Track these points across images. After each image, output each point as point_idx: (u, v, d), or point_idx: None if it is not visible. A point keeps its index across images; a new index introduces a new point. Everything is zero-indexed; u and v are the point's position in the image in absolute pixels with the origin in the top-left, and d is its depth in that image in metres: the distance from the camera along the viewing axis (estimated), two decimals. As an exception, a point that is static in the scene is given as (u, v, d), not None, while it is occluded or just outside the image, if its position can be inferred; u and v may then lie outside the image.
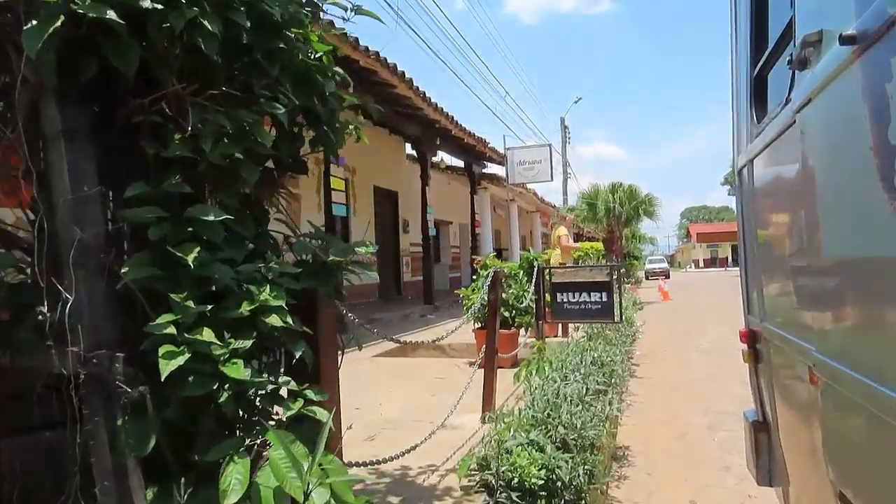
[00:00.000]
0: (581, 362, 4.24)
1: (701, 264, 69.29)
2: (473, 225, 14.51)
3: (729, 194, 46.36)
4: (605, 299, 4.73)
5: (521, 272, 5.68)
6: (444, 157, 16.30)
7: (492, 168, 16.73)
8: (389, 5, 10.84)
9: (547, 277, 4.99)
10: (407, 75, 8.54)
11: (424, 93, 9.40)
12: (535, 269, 5.19)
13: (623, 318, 5.82)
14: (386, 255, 13.87)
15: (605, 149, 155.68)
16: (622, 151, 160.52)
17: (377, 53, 7.51)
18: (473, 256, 11.45)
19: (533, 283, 5.27)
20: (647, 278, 41.35)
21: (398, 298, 13.76)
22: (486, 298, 4.25)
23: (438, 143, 11.42)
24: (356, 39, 7.16)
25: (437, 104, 10.04)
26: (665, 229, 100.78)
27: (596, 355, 4.54)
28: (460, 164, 14.78)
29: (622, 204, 20.17)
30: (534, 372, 3.78)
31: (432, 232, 11.53)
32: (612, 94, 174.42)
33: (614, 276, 4.92)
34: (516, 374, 4.08)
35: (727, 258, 67.86)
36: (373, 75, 7.97)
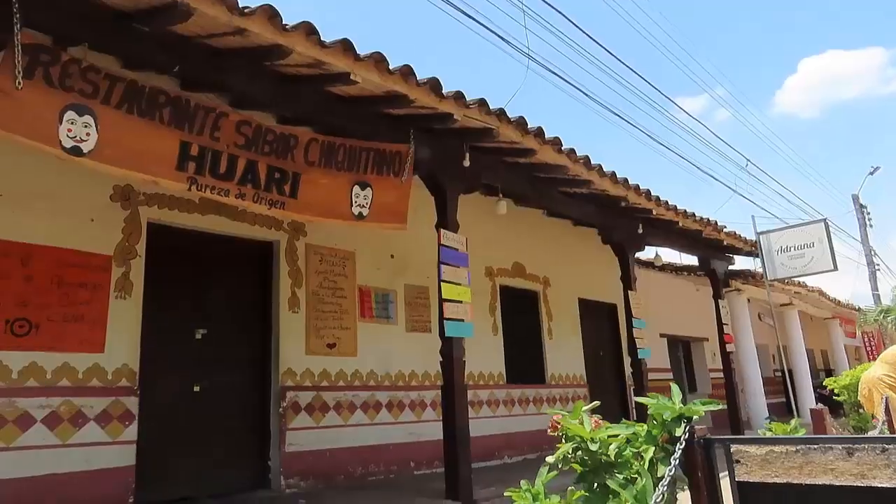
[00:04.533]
0: None
1: None
2: (722, 340, 10.63)
3: None
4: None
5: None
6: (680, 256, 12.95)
7: (746, 264, 12.73)
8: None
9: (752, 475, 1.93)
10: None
11: (601, 166, 6.86)
12: None
13: None
14: (600, 390, 10.74)
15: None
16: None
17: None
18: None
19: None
20: None
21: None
22: None
23: (641, 230, 8.46)
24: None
25: (626, 179, 7.34)
26: None
27: None
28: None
29: (970, 297, 13.83)
30: None
31: (646, 354, 8.28)
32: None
33: None
34: None
35: None
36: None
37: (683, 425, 1.90)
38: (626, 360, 9.85)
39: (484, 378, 8.79)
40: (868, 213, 21.35)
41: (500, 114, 5.54)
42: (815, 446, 1.73)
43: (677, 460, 1.86)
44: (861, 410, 8.61)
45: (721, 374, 11.33)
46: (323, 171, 5.29)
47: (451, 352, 5.56)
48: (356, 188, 5.48)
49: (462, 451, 5.36)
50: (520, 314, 9.90)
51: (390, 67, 4.70)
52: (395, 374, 7.64)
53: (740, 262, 12.18)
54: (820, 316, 17.86)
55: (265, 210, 5.01)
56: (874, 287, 20.22)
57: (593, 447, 1.93)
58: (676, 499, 2.00)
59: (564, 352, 10.45)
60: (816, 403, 14.33)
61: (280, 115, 5.70)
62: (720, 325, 10.65)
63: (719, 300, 10.86)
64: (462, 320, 5.72)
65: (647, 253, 11.74)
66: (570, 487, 2.17)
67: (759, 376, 12.40)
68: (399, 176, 5.71)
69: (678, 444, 1.87)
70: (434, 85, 4.98)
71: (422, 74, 4.94)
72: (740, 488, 1.85)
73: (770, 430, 3.57)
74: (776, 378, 17.03)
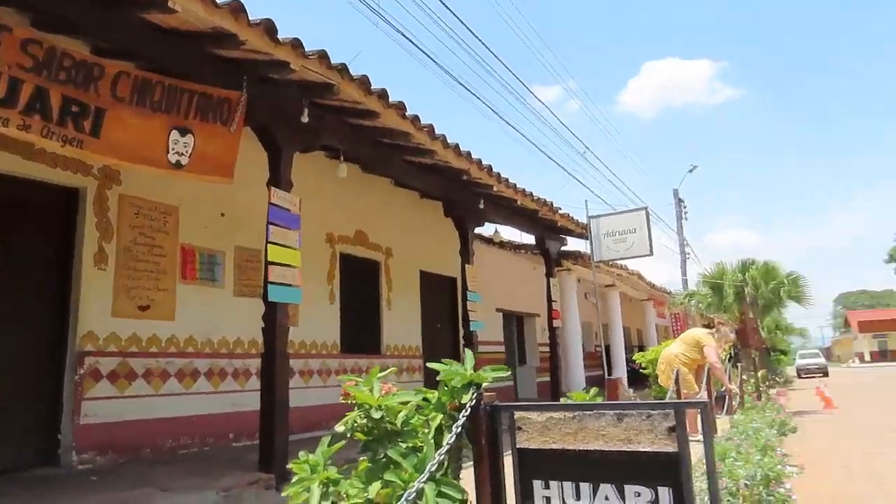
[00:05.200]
0: None
1: (867, 357, 58.82)
2: (551, 316, 11.26)
3: (896, 274, 38.82)
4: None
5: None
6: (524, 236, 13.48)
7: (578, 245, 13.58)
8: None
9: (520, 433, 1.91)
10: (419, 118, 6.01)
11: (445, 136, 6.82)
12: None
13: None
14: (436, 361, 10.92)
15: (737, 235, 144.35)
16: (763, 239, 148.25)
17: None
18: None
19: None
20: (799, 376, 34.74)
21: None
22: None
23: (482, 205, 8.62)
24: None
25: (469, 153, 7.39)
26: (817, 318, 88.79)
27: None
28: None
29: (757, 286, 15.87)
30: None
31: (478, 326, 8.49)
32: (744, 180, 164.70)
33: (687, 431, 1.62)
34: None
35: (901, 350, 57.27)
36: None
37: (472, 392, 1.85)
38: (462, 333, 10.08)
39: (317, 347, 8.54)
40: (685, 207, 23.81)
41: (342, 69, 5.27)
42: (590, 413, 1.75)
43: (460, 428, 1.80)
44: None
45: (549, 348, 12.04)
46: (135, 110, 4.69)
47: (274, 317, 5.26)
48: (175, 133, 4.94)
49: (279, 421, 5.11)
50: (360, 283, 9.74)
51: (217, 0, 4.24)
52: (219, 340, 7.15)
53: (572, 244, 12.97)
54: (637, 297, 19.67)
55: (58, 147, 4.34)
56: (684, 273, 22.67)
57: (377, 415, 1.82)
58: (461, 466, 1.96)
59: (402, 323, 10.48)
60: (628, 376, 15.84)
61: (94, 46, 4.98)
62: (550, 302, 11.26)
63: (551, 278, 11.47)
64: (290, 285, 5.43)
65: (490, 230, 12.10)
66: (361, 458, 2.05)
67: (581, 351, 13.36)
68: (227, 125, 5.24)
69: (464, 411, 1.82)
70: (268, 27, 4.58)
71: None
72: (521, 455, 1.84)
73: (570, 398, 3.75)
74: (597, 353, 18.57)
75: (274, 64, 4.97)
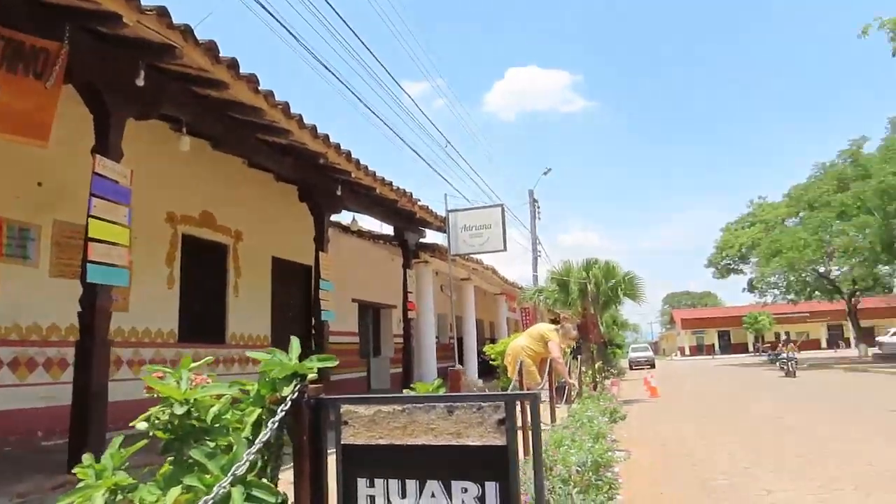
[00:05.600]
0: None
1: (687, 352, 65.80)
2: (406, 307, 11.25)
3: (714, 277, 43.72)
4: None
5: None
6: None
7: (436, 238, 13.71)
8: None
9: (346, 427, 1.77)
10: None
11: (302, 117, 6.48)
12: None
13: None
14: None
15: (583, 236, 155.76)
16: (602, 240, 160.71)
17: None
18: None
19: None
20: (630, 368, 38.03)
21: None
22: None
23: (339, 192, 8.37)
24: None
25: (328, 135, 7.10)
26: (648, 315, 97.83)
27: None
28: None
29: (598, 284, 17.02)
30: None
31: (329, 316, 8.25)
32: (592, 186, 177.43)
33: (517, 425, 1.56)
34: None
35: (713, 345, 64.55)
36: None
37: (294, 384, 1.68)
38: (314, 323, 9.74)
39: (151, 335, 7.82)
40: (538, 207, 25.01)
41: (186, 31, 4.79)
42: (420, 406, 1.66)
43: (276, 423, 1.63)
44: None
45: (403, 340, 12.04)
46: (-83, 51, 3.93)
47: (94, 301, 4.68)
48: (-29, 83, 4.21)
49: (95, 416, 4.56)
50: (204, 268, 9.09)
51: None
52: (28, 326, 6.29)
53: (431, 237, 13.07)
54: (491, 291, 20.34)
55: None
56: (535, 270, 23.82)
57: (180, 410, 1.59)
58: (280, 466, 1.78)
59: (251, 311, 9.94)
60: (479, 367, 16.32)
61: None
62: (405, 293, 11.25)
63: (408, 270, 11.46)
64: (115, 265, 4.86)
65: (348, 218, 11.84)
66: (168, 459, 1.80)
67: (434, 342, 13.52)
68: (43, 79, 4.56)
69: (283, 405, 1.65)
70: (95, -30, 4.03)
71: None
72: (344, 451, 1.70)
73: (415, 389, 3.71)
74: (451, 344, 18.96)
75: (103, 15, 4.39)
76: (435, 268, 14.08)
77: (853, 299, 35.46)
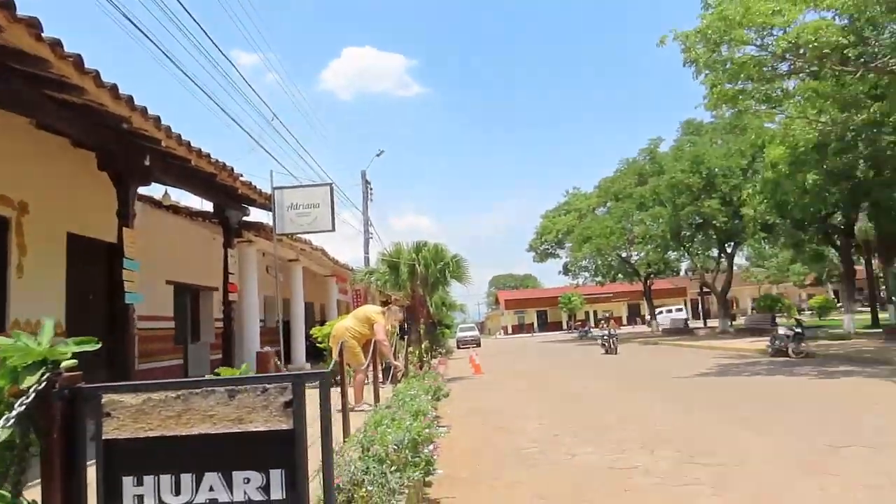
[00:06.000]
0: None
1: (510, 330, 70.17)
2: (227, 289, 10.60)
3: (534, 261, 46.97)
4: (280, 496, 1.40)
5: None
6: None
7: (263, 217, 13.07)
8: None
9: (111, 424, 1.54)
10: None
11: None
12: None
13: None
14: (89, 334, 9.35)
15: (416, 220, 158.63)
16: (433, 224, 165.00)
17: None
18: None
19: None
20: (458, 347, 39.67)
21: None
22: None
23: (148, 162, 7.57)
24: None
25: (132, 97, 6.33)
26: (476, 297, 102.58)
27: None
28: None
29: (427, 266, 17.43)
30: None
31: (136, 298, 7.49)
32: (424, 171, 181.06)
33: (303, 408, 1.44)
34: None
35: (533, 324, 69.47)
36: None
37: (42, 373, 1.42)
38: (118, 306, 8.78)
39: None
40: (371, 189, 24.92)
41: (-61, -43, 3.96)
42: (198, 391, 1.49)
43: (11, 420, 1.36)
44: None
45: (223, 324, 11.34)
46: None
47: None
48: None
49: None
50: (-23, 244, 7.77)
51: None
52: None
53: (256, 215, 12.40)
54: (322, 273, 19.93)
55: None
56: (366, 252, 23.76)
57: None
58: (25, 469, 1.50)
59: (40, 295, 8.68)
60: (307, 351, 15.93)
61: None
62: (226, 274, 10.59)
63: (229, 249, 10.78)
64: None
65: (160, 191, 10.82)
66: None
67: (258, 326, 12.92)
68: None
69: (25, 397, 1.38)
70: None
71: None
72: (107, 448, 1.47)
73: (219, 374, 3.48)
74: (278, 328, 18.28)
75: None
76: (260, 248, 13.42)
77: (648, 281, 40.15)
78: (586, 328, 45.62)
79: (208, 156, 8.38)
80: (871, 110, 13.09)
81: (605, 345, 22.69)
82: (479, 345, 41.62)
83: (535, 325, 69.44)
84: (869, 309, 26.30)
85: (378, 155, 25.26)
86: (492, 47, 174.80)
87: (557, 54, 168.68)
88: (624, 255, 37.39)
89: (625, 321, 62.98)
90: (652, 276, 39.88)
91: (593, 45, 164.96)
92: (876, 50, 12.64)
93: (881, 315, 25.49)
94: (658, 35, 13.50)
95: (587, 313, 63.05)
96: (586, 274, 43.53)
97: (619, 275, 40.41)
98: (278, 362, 5.79)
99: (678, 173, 26.85)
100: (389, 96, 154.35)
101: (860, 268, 28.36)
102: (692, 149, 28.29)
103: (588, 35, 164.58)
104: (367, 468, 3.39)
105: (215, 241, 13.18)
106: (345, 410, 4.80)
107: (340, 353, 4.97)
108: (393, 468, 3.86)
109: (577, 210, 40.37)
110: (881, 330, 20.55)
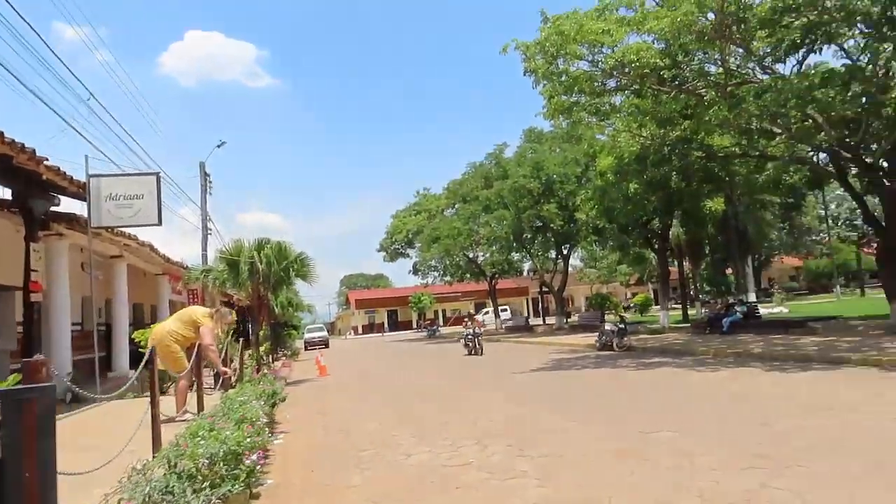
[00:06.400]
0: None
1: (360, 330, 69.63)
2: (28, 288, 9.29)
3: (384, 261, 47.04)
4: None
5: None
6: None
7: (78, 208, 11.64)
8: None
9: None
10: None
11: None
12: None
13: None
14: None
15: (264, 217, 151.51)
16: (286, 223, 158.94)
17: None
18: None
19: None
20: (306, 349, 38.51)
21: None
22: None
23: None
24: None
25: None
26: (326, 297, 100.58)
27: None
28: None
29: (270, 264, 16.63)
30: None
31: None
32: (275, 167, 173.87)
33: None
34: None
35: (383, 323, 69.54)
36: None
37: None
38: None
39: None
40: (210, 181, 23.33)
41: None
42: None
43: None
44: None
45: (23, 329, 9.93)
46: None
47: None
48: None
49: None
50: None
51: None
52: None
53: (69, 206, 11.02)
54: (151, 271, 18.28)
55: None
56: (204, 248, 22.22)
57: None
58: None
59: None
60: (131, 356, 14.47)
61: None
62: (28, 271, 9.29)
63: (33, 244, 9.47)
64: None
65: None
66: None
67: (69, 330, 11.47)
68: None
69: None
70: None
71: None
72: None
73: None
74: (100, 332, 16.44)
75: None
76: (76, 242, 11.94)
77: (493, 281, 41.84)
78: (434, 327, 46.53)
79: (2, 135, 7.26)
80: (683, 127, 14.62)
81: (468, 345, 20.56)
82: (327, 346, 40.74)
83: (386, 324, 69.61)
84: (680, 306, 29.47)
85: (219, 146, 23.77)
86: (347, 45, 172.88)
87: (412, 55, 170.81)
88: (471, 255, 38.63)
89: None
90: (497, 275, 41.59)
91: (451, 45, 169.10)
92: (687, 74, 14.13)
93: (690, 311, 28.74)
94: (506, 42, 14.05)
95: (436, 312, 64.36)
96: (435, 274, 44.38)
97: (467, 274, 41.66)
98: (53, 372, 5.10)
99: (520, 178, 28.28)
100: (238, 85, 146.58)
101: (675, 269, 31.79)
102: (533, 155, 29.95)
103: (446, 35, 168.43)
104: (169, 486, 3.03)
105: (19, 233, 11.55)
106: (155, 422, 4.33)
107: (151, 358, 4.47)
108: (205, 484, 3.52)
109: (427, 211, 41.06)
110: (689, 324, 23.17)
